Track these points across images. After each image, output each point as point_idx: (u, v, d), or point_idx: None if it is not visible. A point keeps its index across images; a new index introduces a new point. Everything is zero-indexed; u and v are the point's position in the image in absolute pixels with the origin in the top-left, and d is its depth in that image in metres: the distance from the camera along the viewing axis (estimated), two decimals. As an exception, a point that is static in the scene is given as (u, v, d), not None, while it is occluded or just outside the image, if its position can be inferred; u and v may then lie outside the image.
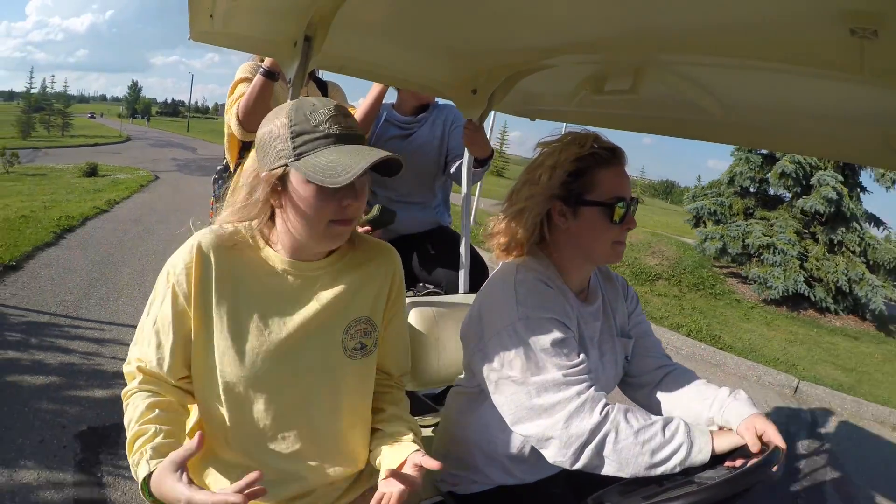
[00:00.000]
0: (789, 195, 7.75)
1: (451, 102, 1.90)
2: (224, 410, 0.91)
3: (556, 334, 0.97)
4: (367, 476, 1.04)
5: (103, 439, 2.18)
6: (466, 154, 1.85)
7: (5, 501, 1.75)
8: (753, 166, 7.90)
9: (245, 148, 2.01)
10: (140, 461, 0.79)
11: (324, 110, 0.85)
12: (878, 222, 7.78)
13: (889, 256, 7.04)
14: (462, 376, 1.21)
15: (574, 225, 1.06)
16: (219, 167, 2.16)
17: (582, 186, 1.05)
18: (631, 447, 0.88)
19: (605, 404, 0.93)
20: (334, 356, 0.95)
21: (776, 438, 0.90)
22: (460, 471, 1.18)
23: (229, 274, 0.89)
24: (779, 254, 7.02)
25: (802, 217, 7.43)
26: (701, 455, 0.87)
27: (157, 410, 0.86)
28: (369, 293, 0.99)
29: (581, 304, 1.12)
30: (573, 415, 0.91)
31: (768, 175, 7.70)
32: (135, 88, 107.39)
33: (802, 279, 6.84)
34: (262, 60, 1.94)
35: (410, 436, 0.97)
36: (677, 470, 0.87)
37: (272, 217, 0.93)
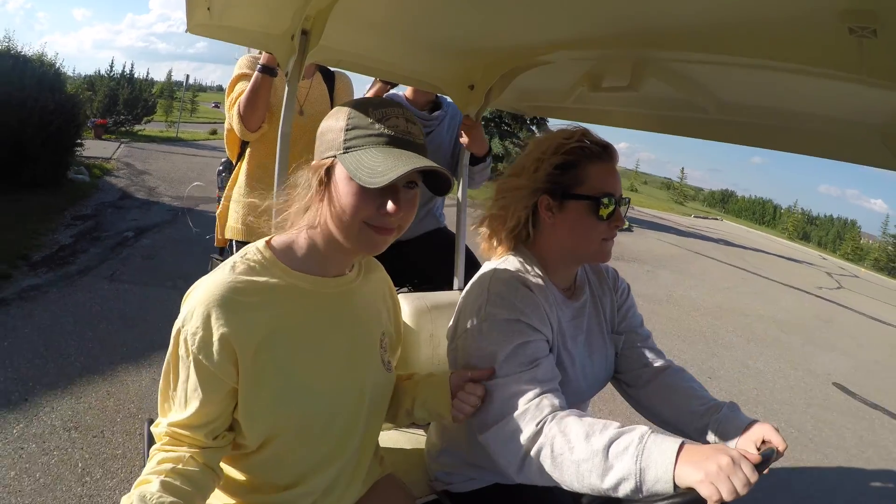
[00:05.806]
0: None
1: None
2: (281, 448, 0.86)
3: (520, 338, 0.94)
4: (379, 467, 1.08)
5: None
6: (464, 151, 1.83)
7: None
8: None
9: (246, 143, 2.00)
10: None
11: (386, 110, 0.81)
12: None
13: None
14: None
15: (560, 219, 1.03)
16: (224, 159, 2.16)
17: (569, 180, 1.02)
18: (569, 466, 0.81)
19: (547, 415, 0.86)
20: (380, 372, 0.95)
21: (775, 439, 0.90)
22: (456, 468, 1.16)
23: (264, 313, 0.81)
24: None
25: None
26: (659, 485, 0.73)
27: (179, 475, 0.77)
28: (383, 306, 1.02)
29: (566, 300, 1.09)
30: (515, 424, 0.87)
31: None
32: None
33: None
34: (260, 53, 1.90)
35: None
36: (636, 497, 0.75)
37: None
